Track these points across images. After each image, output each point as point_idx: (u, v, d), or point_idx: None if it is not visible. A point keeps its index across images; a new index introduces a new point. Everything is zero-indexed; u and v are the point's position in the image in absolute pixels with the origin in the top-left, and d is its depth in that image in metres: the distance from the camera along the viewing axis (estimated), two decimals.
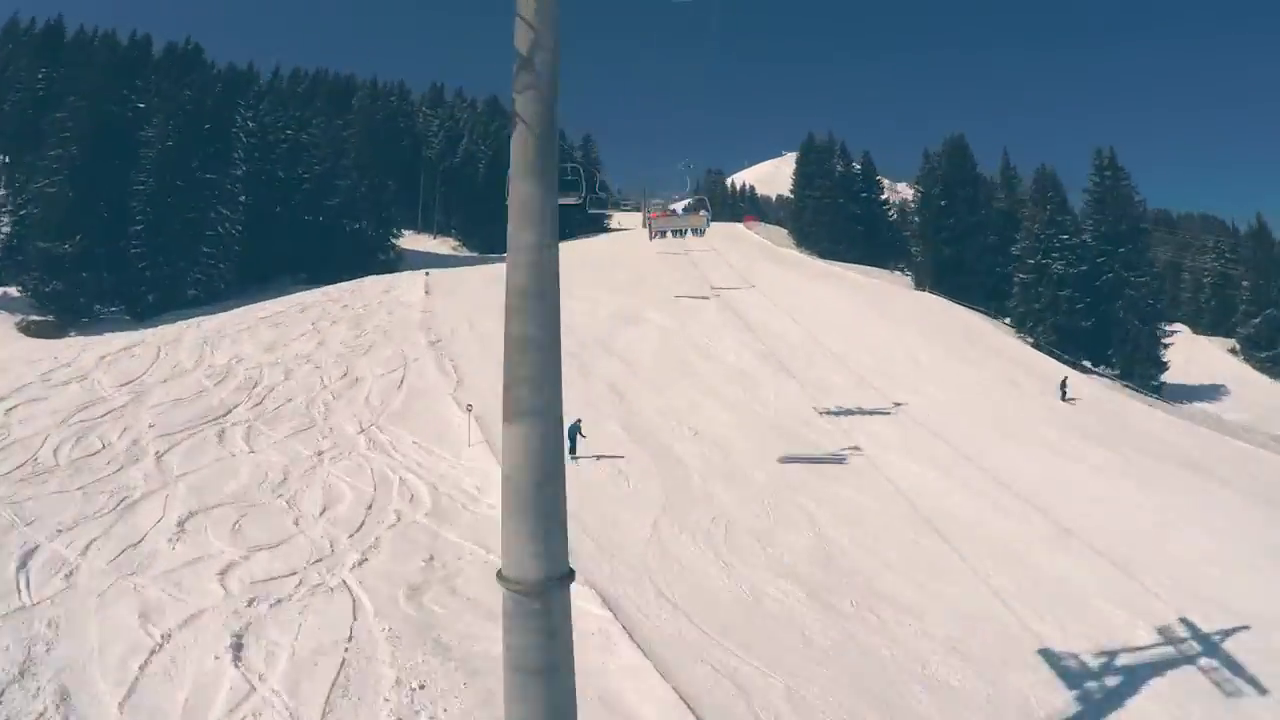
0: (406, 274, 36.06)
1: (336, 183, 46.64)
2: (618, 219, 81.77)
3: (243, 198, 44.83)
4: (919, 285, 48.42)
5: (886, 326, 30.36)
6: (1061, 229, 36.44)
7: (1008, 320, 37.33)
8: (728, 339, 26.07)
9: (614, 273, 39.60)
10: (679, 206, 23.59)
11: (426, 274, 32.52)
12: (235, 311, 28.88)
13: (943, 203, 44.99)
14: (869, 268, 56.58)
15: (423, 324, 25.41)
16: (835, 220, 60.61)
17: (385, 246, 48.62)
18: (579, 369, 21.70)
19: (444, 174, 63.42)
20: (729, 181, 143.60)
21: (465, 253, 60.49)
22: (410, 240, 62.67)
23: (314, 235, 47.15)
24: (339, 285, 34.58)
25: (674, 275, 38.53)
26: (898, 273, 62.83)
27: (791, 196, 74.12)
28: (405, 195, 66.52)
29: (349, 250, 46.71)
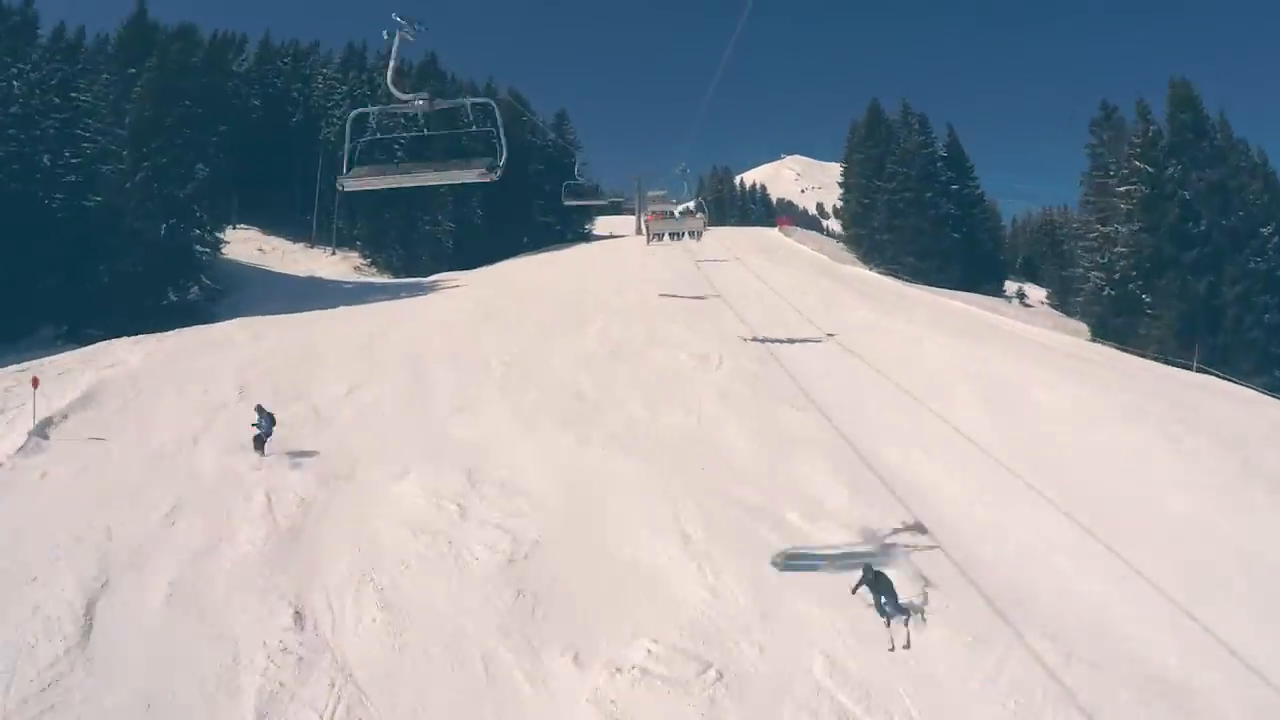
0: (112, 348, 16.60)
1: (100, 168, 26.91)
2: (605, 224, 62.12)
3: None
4: (1099, 335, 28.90)
5: None
6: None
7: None
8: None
9: (576, 338, 19.82)
10: (677, 210, 24.42)
11: (34, 384, 12.65)
12: None
13: (1185, 194, 25.16)
14: (986, 298, 36.96)
15: None
16: (921, 225, 40.98)
17: (187, 272, 28.48)
18: None
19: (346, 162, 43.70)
20: (737, 181, 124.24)
21: (372, 276, 40.70)
22: (296, 258, 42.95)
23: (79, 257, 27.39)
24: None
25: (693, 337, 18.82)
26: (1015, 302, 43.38)
27: (840, 189, 54.42)
28: (301, 194, 46.94)
29: (131, 282, 26.83)
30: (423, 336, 18.59)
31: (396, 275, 40.64)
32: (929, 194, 41.60)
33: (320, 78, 48.12)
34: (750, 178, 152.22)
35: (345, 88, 47.45)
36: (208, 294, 29.13)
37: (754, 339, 18.55)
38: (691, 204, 39.27)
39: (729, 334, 19.13)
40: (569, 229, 52.43)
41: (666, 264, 32.65)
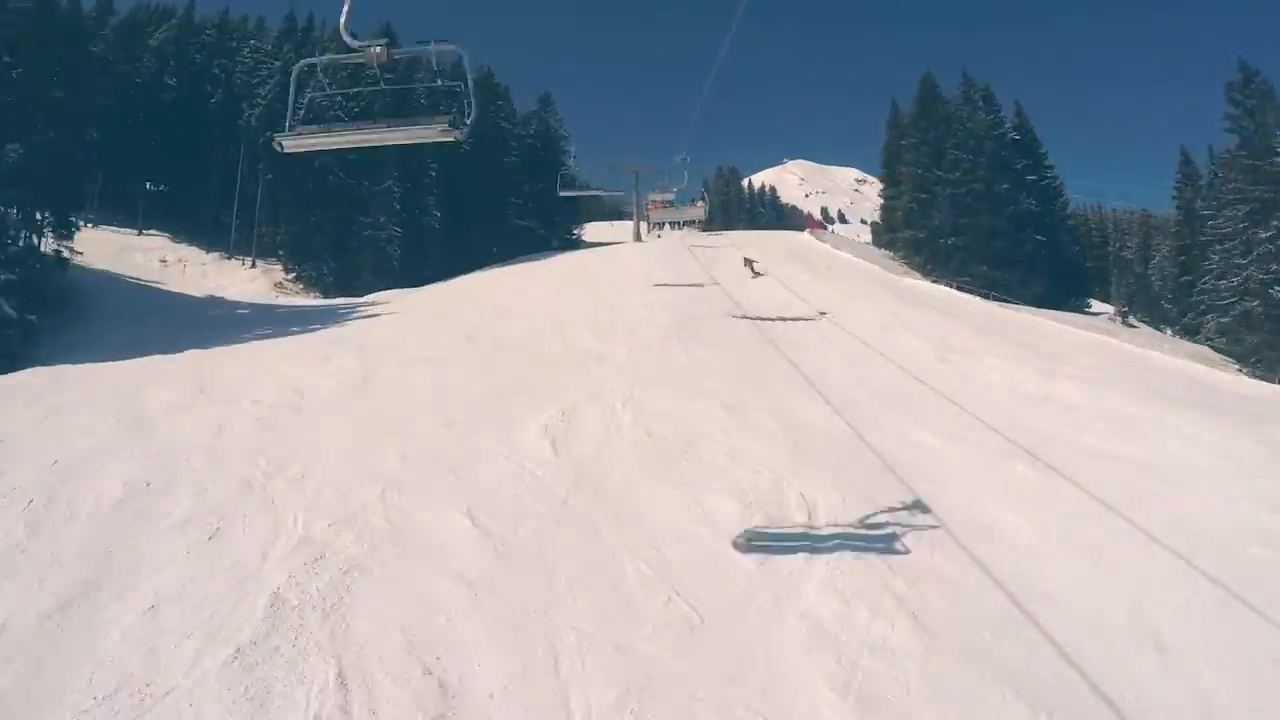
0: None
1: None
2: (594, 230, 53.32)
3: None
4: (1269, 370, 20.06)
5: None
6: None
7: None
8: None
9: (509, 441, 10.99)
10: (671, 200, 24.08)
11: None
12: None
13: None
14: (1098, 320, 28.23)
15: None
16: (996, 224, 32.13)
17: None
18: None
19: (267, 151, 34.95)
20: (744, 183, 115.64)
21: (294, 296, 31.83)
22: (206, 272, 34.21)
23: None
24: None
25: (739, 440, 9.74)
26: (1117, 323, 34.50)
27: (879, 184, 45.54)
28: (218, 190, 38.31)
29: None
30: (208, 440, 9.64)
31: (326, 294, 31.83)
32: (1004, 185, 32.75)
33: (247, 49, 39.41)
34: (755, 181, 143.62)
35: (279, 63, 38.71)
36: (19, 329, 20.16)
37: (852, 435, 9.66)
38: (702, 205, 31.79)
39: (803, 426, 10.19)
40: (554, 234, 43.56)
41: (675, 277, 23.94)
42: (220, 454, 9.34)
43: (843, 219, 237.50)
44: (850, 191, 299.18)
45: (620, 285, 23.83)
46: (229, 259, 36.04)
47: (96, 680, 5.30)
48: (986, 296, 26.71)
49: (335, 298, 30.97)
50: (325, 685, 5.13)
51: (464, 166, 37.73)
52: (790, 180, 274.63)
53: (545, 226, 42.31)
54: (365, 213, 32.36)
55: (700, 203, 30.23)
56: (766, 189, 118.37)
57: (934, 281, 30.09)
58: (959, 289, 28.71)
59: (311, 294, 31.98)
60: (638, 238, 40.59)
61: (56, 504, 7.95)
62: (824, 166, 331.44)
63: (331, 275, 32.01)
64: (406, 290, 30.20)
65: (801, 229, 50.56)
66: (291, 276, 32.86)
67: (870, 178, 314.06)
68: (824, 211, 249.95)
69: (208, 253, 36.74)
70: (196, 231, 38.82)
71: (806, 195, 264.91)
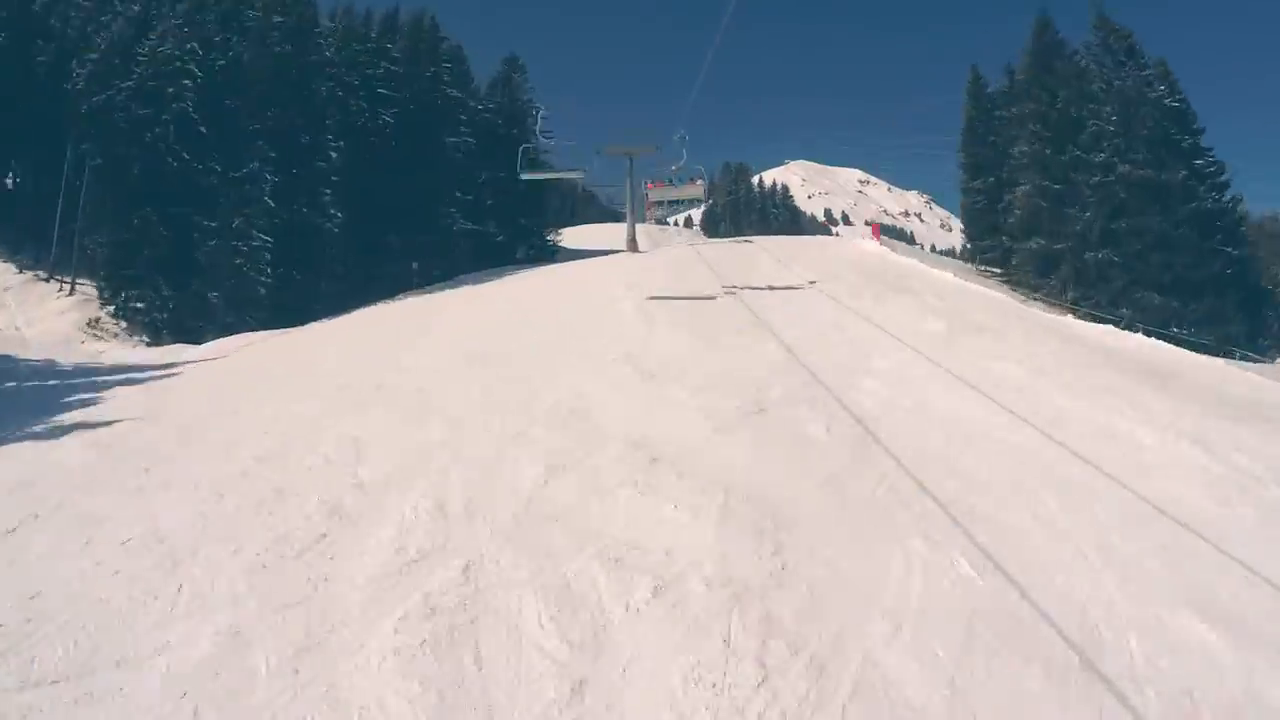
0: None
1: None
2: (578, 235, 42.56)
3: None
4: None
5: None
6: None
7: None
8: None
9: None
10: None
11: None
12: None
13: None
14: None
15: None
16: (1169, 231, 21.45)
17: None
18: None
19: (92, 123, 24.15)
20: (755, 180, 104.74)
21: (109, 345, 21.01)
22: (3, 302, 23.45)
23: None
24: None
25: None
26: None
27: (884, 185, 34.53)
28: (42, 183, 27.63)
29: None
30: None
31: (156, 338, 20.99)
32: (1182, 173, 21.99)
33: None
34: (765, 179, 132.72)
35: (137, 7, 27.97)
36: None
37: None
38: (701, 183, 28.76)
39: None
40: (520, 240, 32.67)
41: (691, 327, 13.02)
42: None
43: (846, 221, 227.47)
44: (853, 193, 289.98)
45: (599, 336, 13.00)
46: (46, 281, 25.27)
47: None
48: (1215, 351, 15.86)
49: (166, 344, 20.21)
50: None
51: (385, 146, 26.86)
52: (793, 181, 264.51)
53: (507, 231, 31.35)
54: (211, 215, 21.47)
55: (700, 181, 28.57)
56: (779, 187, 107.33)
57: (1125, 327, 18.93)
58: (1137, 333, 17.76)
59: (135, 339, 21.15)
60: (633, 245, 29.87)
61: None
62: (826, 167, 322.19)
63: (165, 309, 21.16)
64: (273, 332, 19.44)
65: (816, 234, 39.66)
66: (110, 310, 21.99)
67: (874, 179, 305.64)
68: (827, 213, 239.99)
69: (21, 273, 25.99)
70: (21, 242, 28.12)
71: (809, 196, 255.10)
